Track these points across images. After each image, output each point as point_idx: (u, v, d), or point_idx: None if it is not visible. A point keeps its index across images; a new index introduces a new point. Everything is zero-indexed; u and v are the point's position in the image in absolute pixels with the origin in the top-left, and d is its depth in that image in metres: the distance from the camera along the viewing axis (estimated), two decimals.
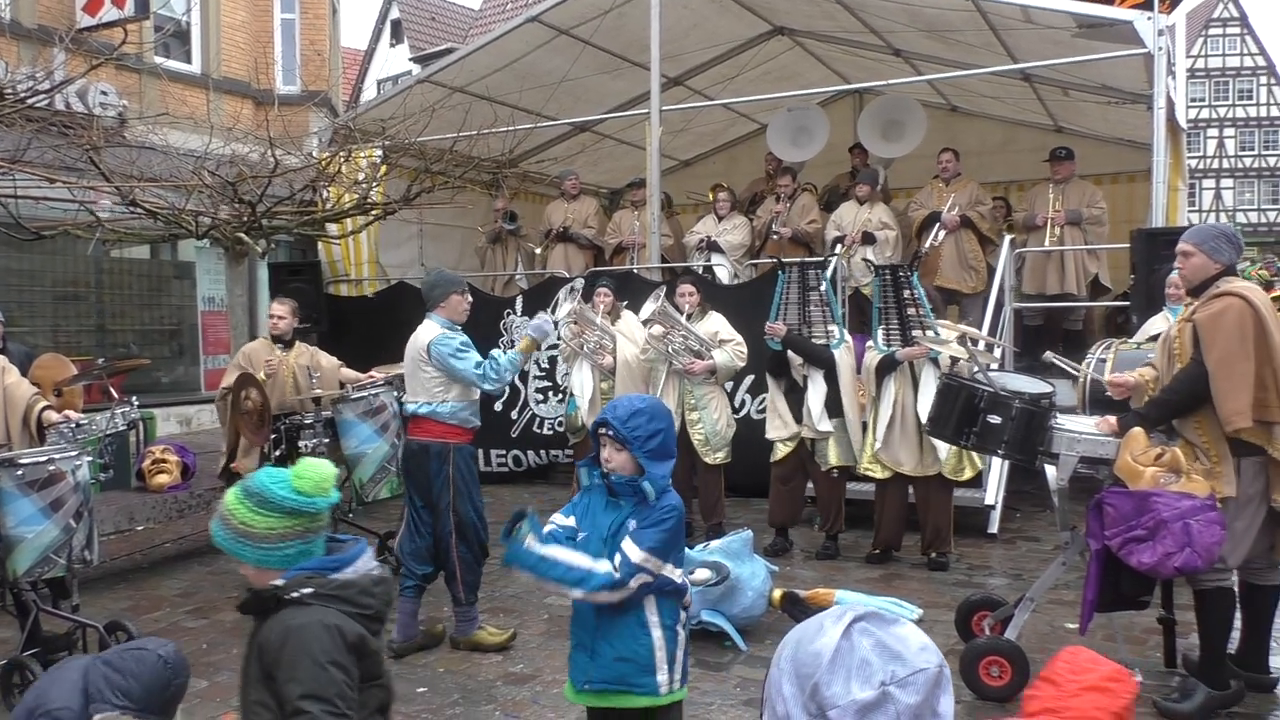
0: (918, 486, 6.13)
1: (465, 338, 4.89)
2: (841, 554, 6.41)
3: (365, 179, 8.60)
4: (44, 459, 4.46)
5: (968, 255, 8.85)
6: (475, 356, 4.83)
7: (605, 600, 2.60)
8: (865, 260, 8.67)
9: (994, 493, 6.87)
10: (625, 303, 7.09)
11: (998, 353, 7.24)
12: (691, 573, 4.64)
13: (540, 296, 9.00)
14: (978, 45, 8.77)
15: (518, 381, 8.60)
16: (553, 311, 8.79)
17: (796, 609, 4.89)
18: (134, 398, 5.69)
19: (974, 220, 8.80)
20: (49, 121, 7.28)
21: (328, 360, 6.51)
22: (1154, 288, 6.17)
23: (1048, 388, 4.33)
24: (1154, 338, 4.84)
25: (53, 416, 4.83)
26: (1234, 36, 42.95)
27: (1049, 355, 5.20)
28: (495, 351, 4.97)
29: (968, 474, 6.01)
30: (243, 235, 7.60)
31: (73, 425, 4.85)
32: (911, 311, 5.95)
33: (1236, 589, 4.02)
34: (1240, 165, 42.60)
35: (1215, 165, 42.54)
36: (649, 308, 6.48)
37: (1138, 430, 3.84)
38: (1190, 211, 29.61)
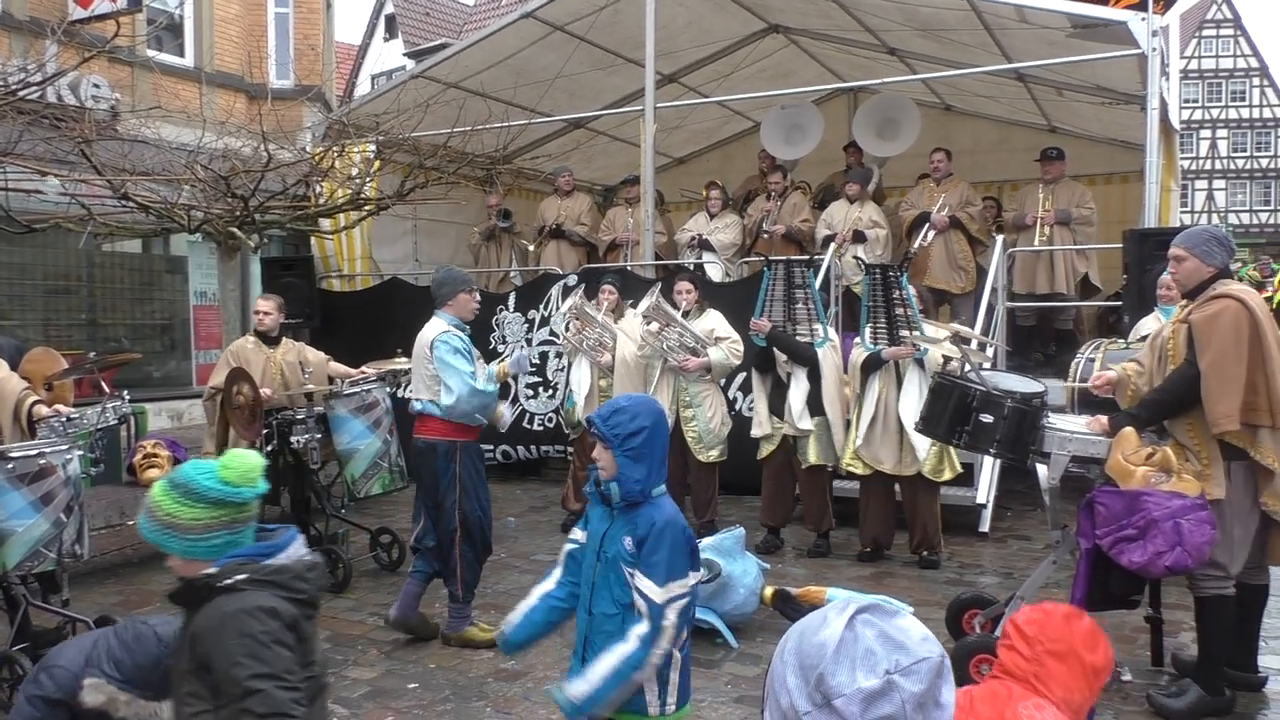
0: (904, 486, 6.15)
1: (468, 343, 4.88)
2: (833, 552, 6.43)
3: (358, 174, 8.59)
4: (34, 453, 4.44)
5: (957, 255, 8.88)
6: (464, 370, 4.78)
7: (664, 651, 2.50)
8: (856, 259, 8.68)
9: (985, 491, 6.89)
10: (630, 301, 7.09)
11: (990, 352, 7.25)
12: None
13: (533, 293, 8.99)
14: (972, 45, 8.78)
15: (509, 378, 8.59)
16: (545, 308, 8.84)
17: (788, 607, 4.90)
18: (125, 392, 5.67)
19: (964, 221, 8.83)
20: (40, 114, 7.25)
21: (315, 355, 6.50)
22: (1146, 288, 6.19)
23: (1040, 387, 4.35)
24: (1145, 338, 4.85)
25: (43, 411, 4.81)
26: (1227, 38, 43.09)
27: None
28: (488, 372, 4.97)
29: (947, 475, 6.04)
30: (235, 230, 7.58)
31: (63, 420, 4.83)
32: (899, 311, 5.97)
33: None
34: (1232, 166, 42.75)
35: (1208, 166, 42.68)
36: (645, 304, 6.49)
37: (1129, 430, 3.86)
38: (1183, 212, 29.73)
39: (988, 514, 6.91)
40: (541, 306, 8.86)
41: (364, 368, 6.47)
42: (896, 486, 6.21)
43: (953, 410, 4.28)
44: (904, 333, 5.93)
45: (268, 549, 2.21)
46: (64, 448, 4.57)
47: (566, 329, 7.08)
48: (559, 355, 8.62)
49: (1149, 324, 5.59)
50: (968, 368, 4.63)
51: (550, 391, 8.68)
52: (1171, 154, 7.92)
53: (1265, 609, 4.24)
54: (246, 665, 2.02)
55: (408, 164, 9.08)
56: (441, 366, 4.80)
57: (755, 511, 6.74)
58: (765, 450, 6.46)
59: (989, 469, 6.93)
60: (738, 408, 7.75)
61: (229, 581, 2.11)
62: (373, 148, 9.06)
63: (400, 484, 6.41)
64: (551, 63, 9.77)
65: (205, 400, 6.47)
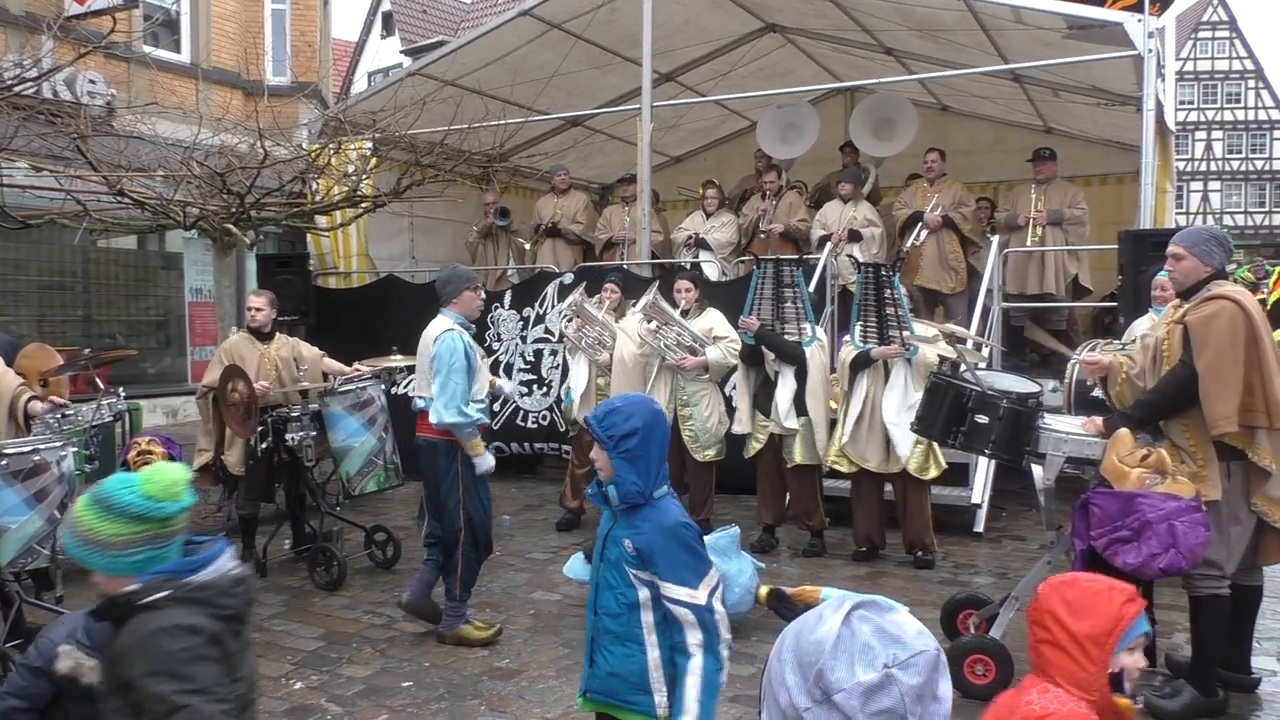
0: (895, 485, 6.17)
1: (469, 344, 4.84)
2: (828, 551, 6.43)
3: (355, 171, 8.57)
4: (29, 449, 4.43)
5: (949, 255, 8.91)
6: (456, 388, 4.74)
7: (728, 641, 2.53)
8: (850, 257, 8.70)
9: (980, 492, 6.90)
10: (632, 301, 7.10)
11: (985, 352, 7.26)
12: None
13: (529, 291, 9.00)
14: (969, 45, 8.79)
15: (502, 374, 8.58)
16: (540, 306, 8.84)
17: (783, 606, 4.88)
18: (120, 389, 5.67)
19: (956, 221, 8.85)
20: (36, 110, 7.23)
21: (309, 351, 6.48)
22: (1141, 289, 6.20)
23: (1035, 387, 4.35)
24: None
25: (38, 407, 4.80)
26: (1223, 40, 43.18)
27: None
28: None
29: (932, 473, 6.05)
30: (231, 226, 7.56)
31: (58, 416, 4.82)
32: (890, 311, 5.98)
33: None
34: (1228, 168, 42.85)
35: (1203, 168, 42.78)
36: (643, 302, 6.50)
37: (1124, 431, 3.86)
38: (1178, 213, 29.75)
39: (983, 514, 6.93)
40: (537, 304, 8.86)
41: (357, 364, 6.44)
42: (888, 486, 6.23)
43: (948, 410, 4.29)
44: (894, 332, 5.95)
45: (192, 564, 2.16)
46: (58, 444, 4.56)
47: (569, 323, 7.09)
48: (553, 353, 8.62)
49: (1143, 325, 5.60)
50: (963, 367, 4.64)
51: (545, 389, 8.67)
52: (1167, 155, 7.94)
53: (1259, 610, 4.25)
54: (169, 683, 1.99)
55: (404, 161, 9.06)
56: (438, 369, 4.79)
57: (751, 510, 6.75)
58: (753, 449, 6.48)
59: (984, 469, 6.95)
60: (735, 407, 7.75)
61: (150, 599, 2.07)
62: (369, 145, 9.04)
63: (395, 482, 6.41)
64: (548, 61, 9.76)
65: (198, 398, 6.45)
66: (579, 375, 7.07)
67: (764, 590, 5.08)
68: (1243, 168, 42.76)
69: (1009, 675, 4.11)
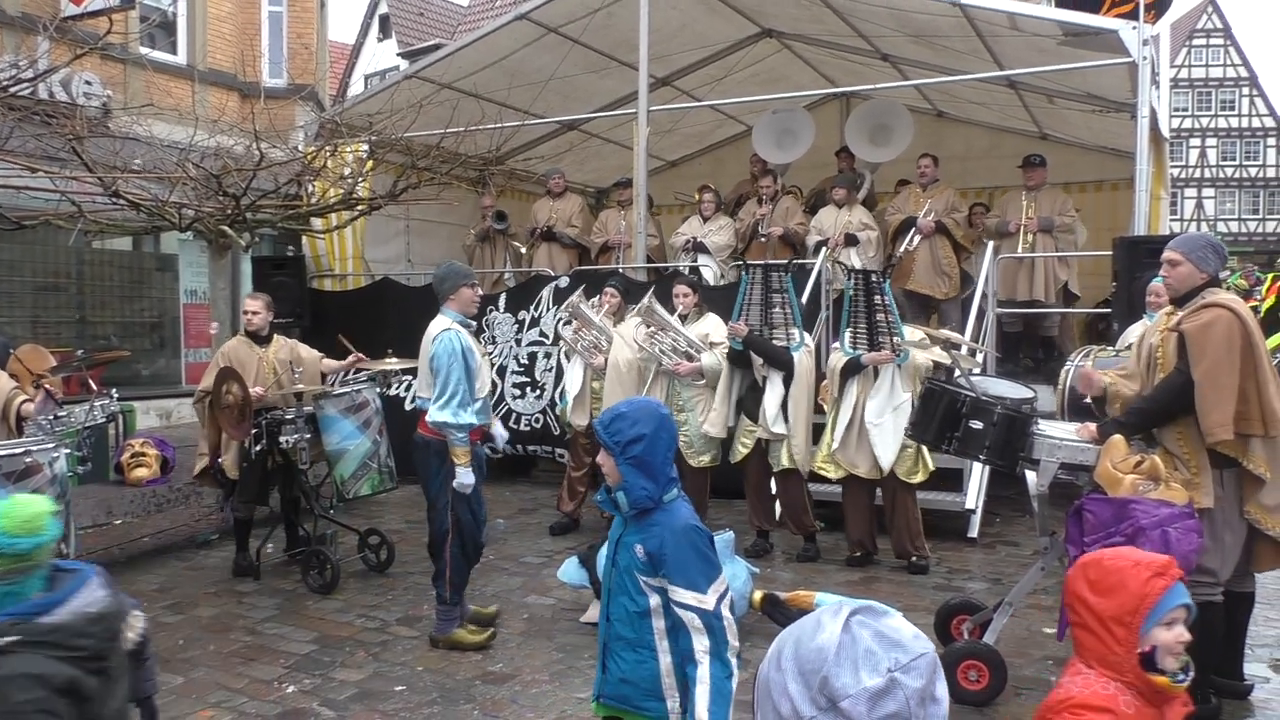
0: (884, 489, 6.17)
1: (468, 343, 4.82)
2: (821, 556, 6.44)
3: (351, 174, 8.57)
4: (21, 451, 4.42)
5: (941, 261, 8.93)
6: (455, 393, 4.73)
7: (737, 648, 2.50)
8: (838, 263, 8.71)
9: (974, 497, 6.91)
10: (632, 306, 7.10)
11: (980, 358, 7.27)
12: None
13: (524, 294, 9.00)
14: (964, 51, 8.81)
15: (495, 376, 8.58)
16: (535, 309, 8.84)
17: (777, 611, 4.89)
18: (114, 390, 5.64)
19: (949, 227, 8.87)
20: (31, 110, 7.22)
21: (308, 353, 6.46)
22: (1135, 295, 6.22)
23: (1029, 393, 4.36)
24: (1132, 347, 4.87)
25: (29, 408, 4.78)
26: (1217, 48, 43.32)
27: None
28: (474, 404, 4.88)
29: (920, 476, 6.06)
30: (226, 228, 7.56)
31: (50, 418, 4.80)
32: (880, 317, 5.99)
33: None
34: (1222, 175, 42.98)
35: (1197, 175, 42.90)
36: (639, 306, 6.51)
37: (1118, 438, 3.87)
38: (1172, 220, 29.84)
39: (977, 519, 6.93)
40: (532, 308, 8.86)
41: (353, 355, 6.39)
42: (878, 490, 6.23)
43: (942, 416, 4.29)
44: (884, 338, 5.96)
45: (45, 605, 2.08)
46: (51, 446, 4.54)
47: (567, 326, 7.10)
48: (547, 356, 8.62)
49: (1137, 330, 5.61)
50: (958, 373, 4.64)
51: (538, 392, 8.67)
52: (1161, 162, 7.96)
53: (1251, 616, 4.26)
54: None
55: (400, 164, 9.06)
56: (436, 369, 4.79)
57: (745, 515, 6.75)
58: (740, 453, 6.48)
59: (978, 475, 6.96)
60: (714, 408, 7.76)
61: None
62: (365, 147, 9.04)
63: (390, 485, 6.40)
64: (545, 64, 9.77)
65: (195, 403, 6.43)
66: (574, 378, 7.10)
67: (758, 595, 5.08)
68: (1236, 175, 42.89)
69: (1002, 681, 4.12)
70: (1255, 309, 9.94)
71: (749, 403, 6.40)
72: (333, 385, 6.29)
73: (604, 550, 2.73)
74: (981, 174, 11.08)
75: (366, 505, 7.76)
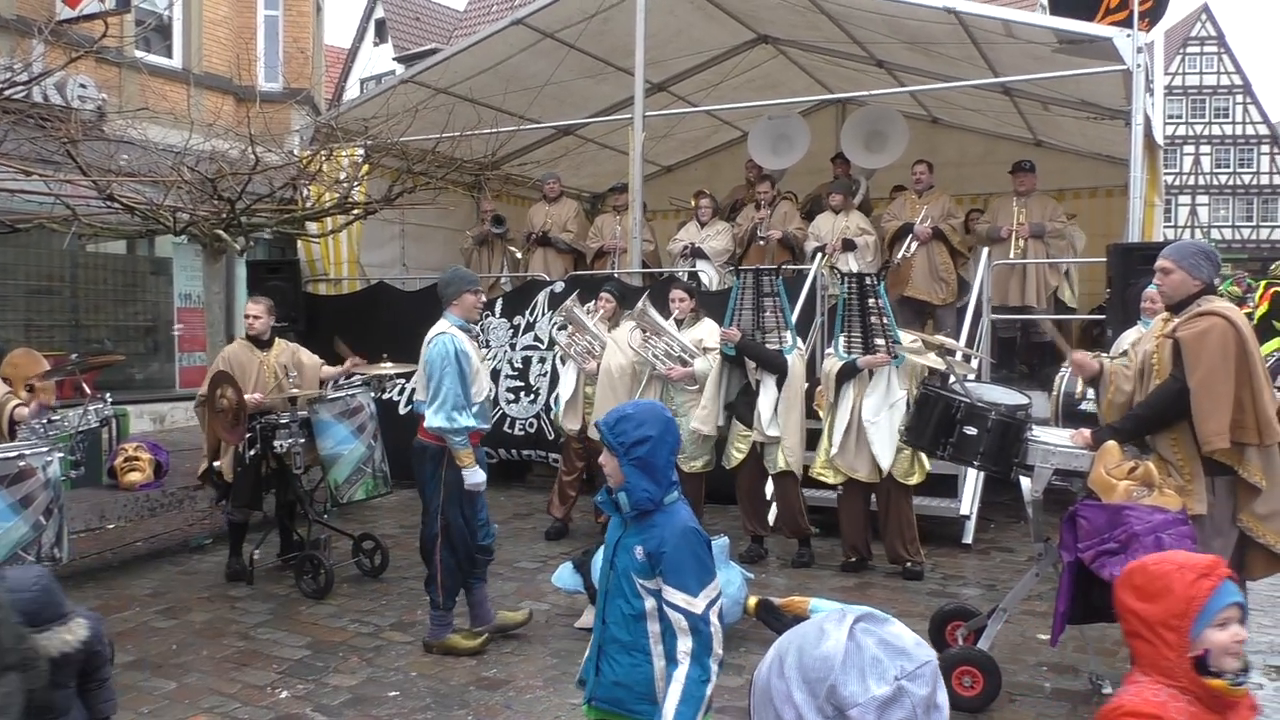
0: (878, 494, 6.17)
1: (463, 347, 4.81)
2: (816, 562, 6.43)
3: (346, 178, 8.56)
4: (14, 454, 4.41)
5: (939, 267, 8.95)
6: (452, 386, 4.72)
7: (719, 657, 2.49)
8: (833, 268, 8.73)
9: (969, 503, 6.91)
10: (627, 311, 7.10)
11: (975, 364, 7.29)
12: None
13: (520, 299, 9.00)
14: (959, 58, 8.84)
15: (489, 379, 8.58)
16: (531, 314, 8.84)
17: (771, 616, 4.88)
18: (107, 394, 5.63)
19: (946, 233, 8.89)
20: (26, 113, 7.21)
21: (309, 358, 6.44)
22: (1130, 301, 6.23)
23: (1024, 400, 4.36)
24: (1126, 353, 4.87)
25: (23, 412, 4.77)
26: (1211, 55, 43.50)
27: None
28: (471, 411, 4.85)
29: (916, 478, 6.06)
30: (221, 232, 7.55)
31: (44, 421, 4.79)
32: (875, 320, 6.00)
33: None
34: (1215, 182, 43.13)
35: (1191, 182, 43.05)
36: (634, 310, 6.52)
37: (1112, 444, 3.88)
38: (1166, 227, 29.93)
39: (971, 526, 6.93)
40: (527, 312, 8.86)
41: (353, 358, 6.37)
42: (873, 495, 6.23)
43: (936, 422, 4.30)
44: (879, 341, 5.96)
45: None
46: (44, 450, 4.53)
47: (562, 330, 7.11)
48: (542, 360, 8.62)
49: (1131, 337, 5.62)
50: (952, 379, 4.65)
51: (532, 396, 8.67)
52: (1155, 169, 7.99)
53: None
54: None
55: (396, 168, 9.06)
56: (430, 373, 4.79)
57: (740, 520, 6.74)
58: (734, 459, 6.48)
59: (972, 481, 6.96)
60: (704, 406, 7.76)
61: None
62: (361, 152, 9.03)
63: (384, 490, 6.39)
64: (541, 69, 9.78)
65: (196, 406, 6.43)
66: (567, 382, 7.12)
67: (752, 601, 5.08)
68: (1230, 182, 43.05)
69: (997, 687, 4.12)
70: (1249, 315, 9.97)
71: (741, 407, 6.40)
72: (328, 390, 6.27)
73: (599, 554, 2.72)
74: (976, 180, 11.09)
75: (361, 510, 7.75)
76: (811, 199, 10.63)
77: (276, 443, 5.96)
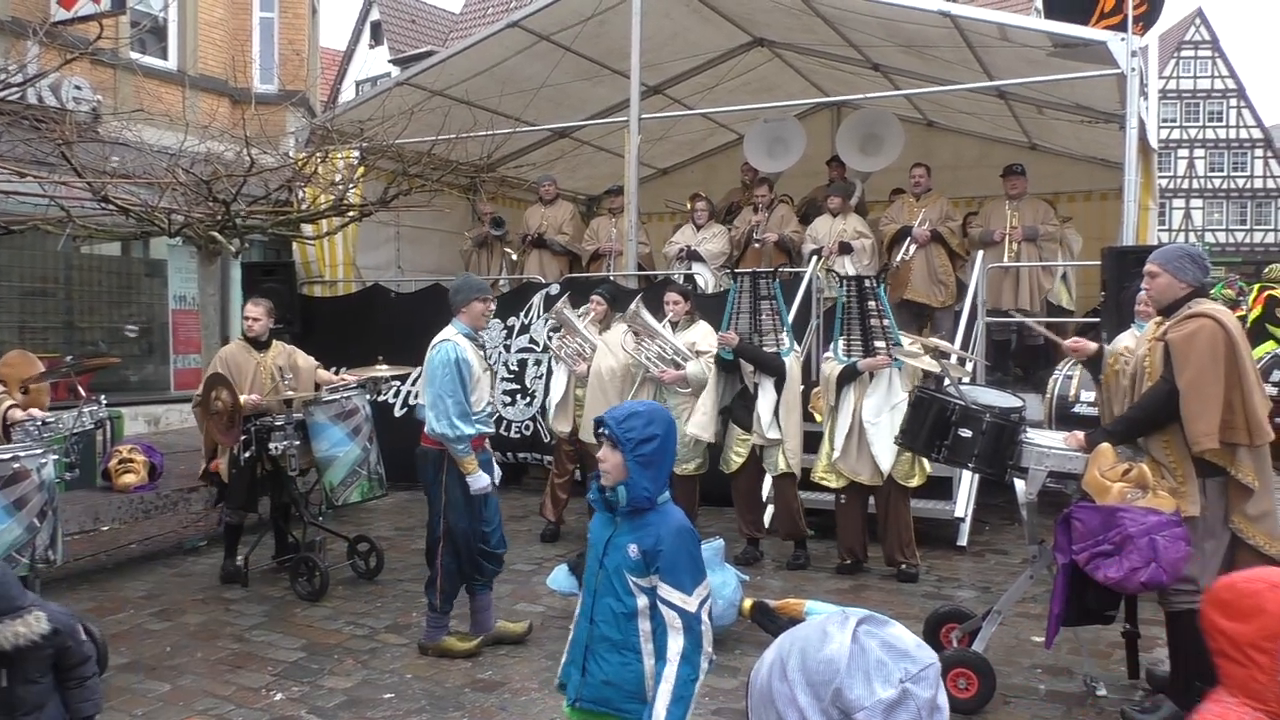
0: (877, 497, 6.18)
1: (464, 355, 4.79)
2: (811, 564, 6.44)
3: (342, 180, 8.56)
4: (8, 456, 4.39)
5: (937, 270, 8.96)
6: (453, 394, 4.71)
7: (709, 655, 2.54)
8: (832, 272, 8.74)
9: (963, 506, 6.92)
10: (619, 313, 7.10)
11: (969, 366, 7.30)
12: None
13: (515, 301, 9.00)
14: (954, 62, 8.86)
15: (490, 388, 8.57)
16: (526, 316, 8.84)
17: (766, 618, 4.89)
18: (102, 396, 5.62)
19: (944, 235, 8.90)
20: (20, 115, 7.20)
21: (305, 360, 6.44)
22: (1124, 304, 6.25)
23: (1018, 402, 4.38)
24: None
25: (17, 415, 4.76)
26: (1205, 59, 43.62)
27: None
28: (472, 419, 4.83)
29: (917, 480, 6.07)
30: (216, 234, 7.54)
31: (38, 424, 4.79)
32: (875, 322, 6.00)
33: None
34: (1210, 186, 43.24)
35: (1185, 185, 43.15)
36: (626, 313, 6.52)
37: (1105, 446, 3.89)
38: (1160, 230, 29.99)
39: (966, 528, 6.95)
40: (522, 314, 8.86)
41: (344, 373, 6.42)
42: (871, 498, 6.24)
43: (931, 424, 4.31)
44: (880, 343, 5.97)
45: None
46: (38, 451, 4.52)
47: (556, 331, 7.12)
48: (537, 363, 8.63)
49: (1126, 340, 5.64)
50: (947, 382, 4.66)
51: (528, 399, 8.67)
52: (1150, 173, 8.02)
53: None
54: None
55: (392, 171, 9.06)
56: (430, 379, 4.78)
57: (735, 523, 6.75)
58: (734, 463, 6.47)
59: (967, 483, 6.97)
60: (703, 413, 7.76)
61: None
62: (356, 154, 9.03)
63: (379, 492, 6.38)
64: (537, 72, 9.78)
65: (194, 406, 6.43)
66: (558, 385, 7.14)
67: (747, 603, 5.10)
68: (1224, 186, 43.16)
69: (991, 689, 4.13)
70: (1242, 319, 10.00)
71: (739, 410, 6.40)
72: (323, 392, 6.27)
73: (590, 553, 2.72)
74: (971, 183, 11.12)
75: (356, 512, 7.74)
76: (807, 202, 10.64)
77: (272, 445, 5.95)
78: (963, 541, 6.91)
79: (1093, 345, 4.33)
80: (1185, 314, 3.91)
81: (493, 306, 5.09)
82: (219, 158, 7.88)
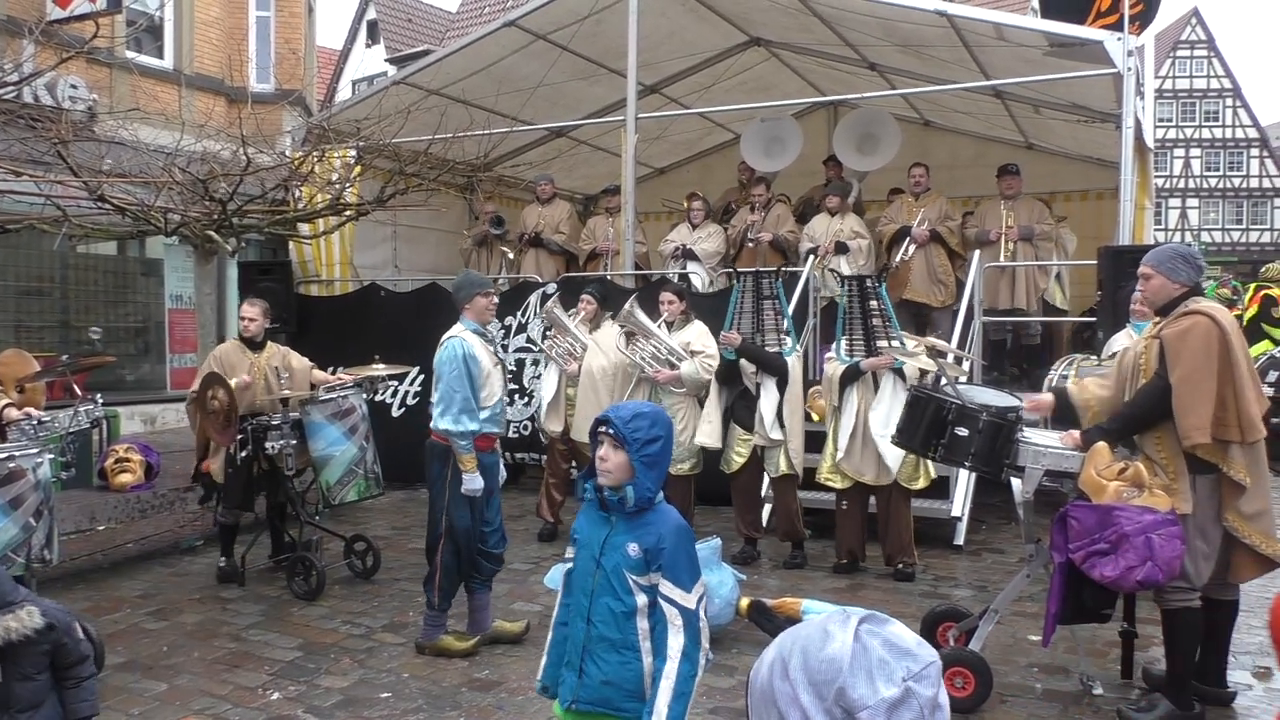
0: (878, 497, 6.18)
1: (471, 350, 4.79)
2: (809, 564, 6.44)
3: (338, 179, 8.55)
4: (4, 456, 4.39)
5: (937, 269, 8.97)
6: (459, 390, 4.72)
7: (707, 651, 2.56)
8: (832, 272, 8.74)
9: (960, 505, 6.93)
10: (610, 313, 7.10)
11: (966, 366, 7.31)
12: None
13: (513, 300, 8.99)
14: (951, 61, 8.87)
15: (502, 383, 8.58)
16: (523, 315, 8.84)
17: (763, 618, 4.89)
18: (98, 395, 5.61)
19: (943, 235, 8.91)
20: (16, 114, 7.19)
21: (299, 361, 6.44)
22: (1120, 304, 6.26)
23: (1014, 401, 4.38)
24: (1116, 356, 4.90)
25: (13, 414, 4.75)
26: (1201, 59, 43.69)
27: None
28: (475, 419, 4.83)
29: (921, 483, 6.08)
30: (212, 233, 7.53)
31: (34, 423, 4.78)
32: (877, 322, 6.00)
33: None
34: (1206, 185, 43.32)
35: (1181, 185, 43.22)
36: (620, 313, 6.52)
37: (1101, 444, 3.89)
38: (1157, 230, 30.08)
39: (962, 527, 6.96)
40: (519, 314, 8.86)
41: (341, 373, 6.42)
42: (872, 498, 6.24)
43: (928, 423, 4.31)
44: (882, 343, 5.97)
45: None
46: (34, 451, 4.51)
47: (546, 333, 7.12)
48: (535, 363, 8.62)
49: (1122, 340, 5.66)
50: (944, 381, 4.66)
51: (526, 399, 8.67)
52: (1146, 172, 8.03)
53: (1235, 624, 4.28)
54: None
55: (388, 170, 9.05)
56: (437, 376, 4.80)
57: (732, 522, 6.75)
58: (734, 463, 6.46)
59: (964, 482, 6.98)
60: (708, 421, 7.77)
61: None
62: (353, 153, 9.02)
63: (376, 491, 6.37)
64: (534, 71, 9.78)
65: (187, 405, 6.42)
66: (549, 384, 7.14)
67: (744, 602, 5.10)
68: (1220, 185, 43.24)
69: (988, 688, 4.13)
70: (1238, 318, 10.02)
71: (740, 411, 6.39)
72: (319, 392, 6.26)
73: (582, 554, 2.72)
74: (968, 183, 11.13)
75: (352, 511, 7.73)
76: (803, 201, 10.65)
77: (268, 444, 5.95)
78: (959, 540, 6.92)
79: (1049, 398, 4.41)
80: (1180, 312, 3.93)
81: (495, 300, 5.10)
82: (215, 157, 7.88)
